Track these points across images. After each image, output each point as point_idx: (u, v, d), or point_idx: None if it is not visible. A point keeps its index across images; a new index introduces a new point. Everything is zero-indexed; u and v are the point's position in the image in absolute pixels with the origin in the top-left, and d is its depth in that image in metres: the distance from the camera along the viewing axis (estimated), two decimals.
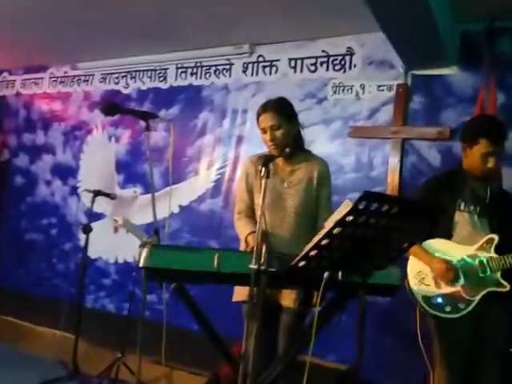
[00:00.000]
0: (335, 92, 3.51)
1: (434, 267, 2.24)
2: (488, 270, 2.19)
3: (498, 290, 2.17)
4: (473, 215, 2.26)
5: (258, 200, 1.82)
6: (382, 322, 2.97)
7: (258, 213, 1.69)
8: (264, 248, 1.58)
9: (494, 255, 2.19)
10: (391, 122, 3.27)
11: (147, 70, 4.32)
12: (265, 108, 2.25)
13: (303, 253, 1.47)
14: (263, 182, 1.75)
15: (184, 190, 3.98)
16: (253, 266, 1.56)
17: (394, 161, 3.20)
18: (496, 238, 2.20)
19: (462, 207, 2.27)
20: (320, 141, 3.41)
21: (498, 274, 2.18)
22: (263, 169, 1.77)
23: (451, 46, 3.06)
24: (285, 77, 3.70)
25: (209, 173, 3.94)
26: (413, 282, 2.28)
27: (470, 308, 2.17)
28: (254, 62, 3.85)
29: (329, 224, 1.41)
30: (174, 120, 4.06)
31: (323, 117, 3.52)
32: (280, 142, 2.20)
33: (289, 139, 2.21)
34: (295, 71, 3.68)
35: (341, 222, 1.36)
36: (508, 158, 2.78)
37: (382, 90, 3.34)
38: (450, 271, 2.20)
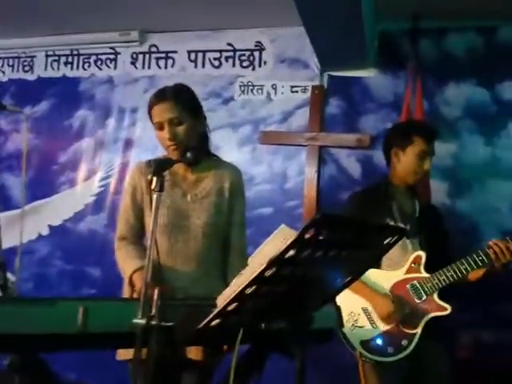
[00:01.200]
0: (243, 92, 3.12)
1: (378, 305, 1.95)
2: (423, 293, 1.95)
3: (439, 314, 1.93)
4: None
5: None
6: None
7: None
8: (156, 293, 1.08)
9: (425, 275, 1.96)
10: (307, 127, 2.96)
11: (8, 58, 3.56)
12: (161, 96, 1.72)
13: (218, 310, 0.99)
14: (154, 197, 1.26)
15: (55, 206, 3.28)
16: (139, 320, 1.05)
17: (311, 171, 2.89)
18: (423, 255, 1.99)
19: None
20: (227, 147, 2.97)
21: (435, 296, 1.95)
22: (154, 178, 1.28)
23: (371, 46, 2.86)
24: (183, 71, 3.23)
25: (88, 184, 3.29)
26: (346, 327, 1.97)
27: (413, 343, 1.91)
28: (145, 53, 3.32)
29: (256, 264, 0.95)
30: (42, 119, 3.36)
31: (230, 120, 3.11)
32: (182, 141, 1.69)
33: (193, 139, 1.72)
34: (196, 66, 3.23)
35: (277, 261, 0.91)
36: (435, 170, 2.63)
37: (296, 92, 3.03)
38: (396, 310, 1.93)
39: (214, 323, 1.01)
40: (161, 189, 1.28)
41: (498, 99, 2.77)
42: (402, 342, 1.90)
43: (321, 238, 0.96)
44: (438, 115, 2.82)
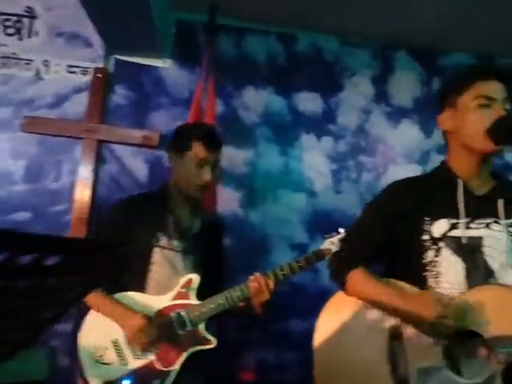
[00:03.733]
0: (5, 65, 2.58)
1: (129, 325, 1.65)
2: (188, 324, 1.69)
3: (203, 348, 1.69)
4: (176, 253, 1.78)
5: None
6: None
7: None
8: None
9: (194, 302, 1.72)
10: (85, 116, 2.56)
11: None
12: None
13: None
14: None
15: None
16: None
17: (86, 169, 2.49)
18: (196, 278, 1.74)
19: (162, 242, 1.76)
20: None
21: (201, 327, 1.70)
22: None
23: (165, 34, 2.63)
24: None
25: None
26: (87, 364, 1.64)
27: (167, 382, 1.63)
28: None
29: None
30: None
31: None
32: None
33: None
34: None
35: None
36: (229, 178, 2.56)
37: (74, 73, 2.62)
38: (149, 329, 1.65)
39: None
40: None
41: (293, 109, 2.81)
42: (154, 383, 1.63)
43: None
44: (236, 119, 2.74)
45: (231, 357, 2.52)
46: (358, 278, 1.41)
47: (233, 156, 2.71)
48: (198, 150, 1.80)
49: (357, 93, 2.89)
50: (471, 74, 1.41)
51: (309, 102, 2.83)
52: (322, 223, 2.70)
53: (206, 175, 1.80)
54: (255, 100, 2.77)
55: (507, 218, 1.37)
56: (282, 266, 1.72)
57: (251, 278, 1.70)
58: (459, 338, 1.27)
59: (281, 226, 2.69)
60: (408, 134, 2.88)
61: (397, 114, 2.89)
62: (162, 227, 1.78)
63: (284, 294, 2.50)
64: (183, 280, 1.74)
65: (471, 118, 1.37)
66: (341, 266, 1.45)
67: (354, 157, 2.82)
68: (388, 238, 1.43)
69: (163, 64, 2.69)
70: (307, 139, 2.80)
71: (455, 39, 2.78)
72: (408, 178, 1.54)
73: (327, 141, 2.82)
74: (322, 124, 2.82)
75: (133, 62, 2.65)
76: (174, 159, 1.85)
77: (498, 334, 1.22)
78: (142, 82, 2.67)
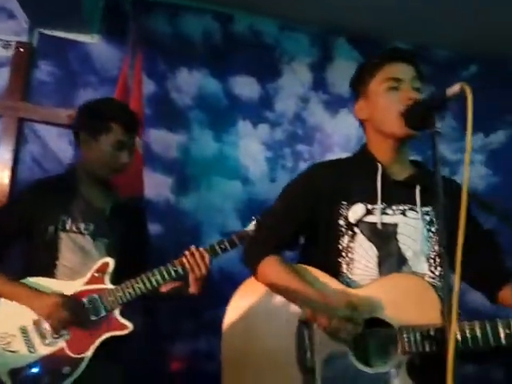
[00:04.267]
0: None
1: (40, 305, 1.60)
2: (102, 309, 1.66)
3: (117, 334, 1.65)
4: (85, 237, 1.73)
5: None
6: None
7: None
8: None
9: (108, 287, 1.68)
10: (5, 93, 2.43)
11: None
12: None
13: None
14: None
15: None
16: None
17: (6, 150, 2.38)
18: (111, 262, 1.70)
19: (68, 226, 1.71)
20: None
21: (117, 313, 1.67)
22: None
23: (93, 8, 2.53)
24: None
25: None
26: None
27: (79, 370, 1.59)
28: None
29: None
30: None
31: None
32: None
33: None
34: None
35: None
36: (159, 162, 2.52)
37: None
38: (63, 309, 1.60)
39: None
40: None
41: (229, 93, 2.76)
42: (64, 370, 1.58)
43: None
44: (168, 101, 2.67)
45: (161, 346, 2.48)
46: (270, 264, 1.38)
47: (164, 139, 2.65)
48: (116, 132, 1.74)
49: (295, 79, 2.88)
50: (377, 60, 1.42)
51: (245, 87, 2.79)
52: (256, 211, 2.64)
53: (124, 158, 1.76)
54: (189, 82, 2.71)
55: (423, 205, 1.37)
56: (205, 248, 1.70)
57: (186, 252, 1.68)
58: (368, 326, 1.27)
59: (214, 214, 2.65)
60: (346, 123, 2.90)
61: (335, 103, 2.90)
62: (68, 210, 1.72)
63: (214, 281, 2.50)
64: (98, 264, 1.70)
65: (382, 102, 1.38)
66: (254, 252, 1.43)
67: (290, 145, 2.82)
68: (307, 216, 1.42)
69: (91, 39, 2.58)
70: (243, 125, 2.77)
71: (395, 29, 2.81)
72: (331, 160, 1.54)
73: (263, 128, 2.80)
74: (258, 110, 2.80)
75: (58, 37, 2.54)
76: (87, 140, 1.77)
77: (405, 323, 1.23)
78: (69, 58, 2.55)
